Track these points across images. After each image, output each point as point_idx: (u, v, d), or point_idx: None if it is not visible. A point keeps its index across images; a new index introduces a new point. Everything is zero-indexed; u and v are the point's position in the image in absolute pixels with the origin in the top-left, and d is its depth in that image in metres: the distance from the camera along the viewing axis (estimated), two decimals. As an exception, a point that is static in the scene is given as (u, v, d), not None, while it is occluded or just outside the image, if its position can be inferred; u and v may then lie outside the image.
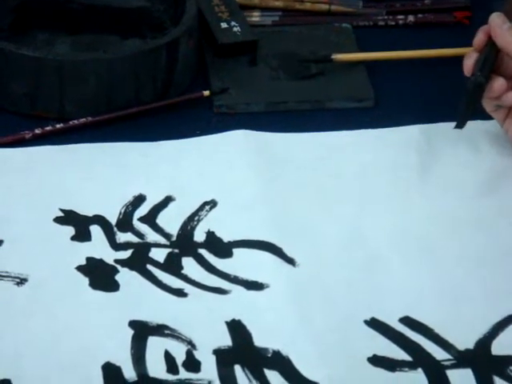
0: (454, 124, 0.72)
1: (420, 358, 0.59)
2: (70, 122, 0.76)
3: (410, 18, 0.88)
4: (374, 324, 0.62)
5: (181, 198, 0.71)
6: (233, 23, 0.84)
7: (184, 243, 0.68)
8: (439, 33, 0.88)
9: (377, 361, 0.59)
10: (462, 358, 0.59)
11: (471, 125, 0.72)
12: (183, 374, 0.59)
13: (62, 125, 0.76)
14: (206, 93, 0.80)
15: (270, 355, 0.60)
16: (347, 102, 0.81)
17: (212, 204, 0.71)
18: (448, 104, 0.76)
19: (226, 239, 0.68)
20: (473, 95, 0.71)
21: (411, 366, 0.59)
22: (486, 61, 0.72)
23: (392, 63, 0.84)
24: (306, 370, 0.59)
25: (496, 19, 0.73)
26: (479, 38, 0.74)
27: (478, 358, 0.59)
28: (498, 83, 0.71)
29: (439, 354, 0.60)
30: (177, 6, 0.82)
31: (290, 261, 0.66)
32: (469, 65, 0.72)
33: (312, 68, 0.83)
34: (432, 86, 0.83)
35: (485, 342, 0.60)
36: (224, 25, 0.84)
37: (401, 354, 0.60)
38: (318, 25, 0.88)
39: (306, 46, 0.85)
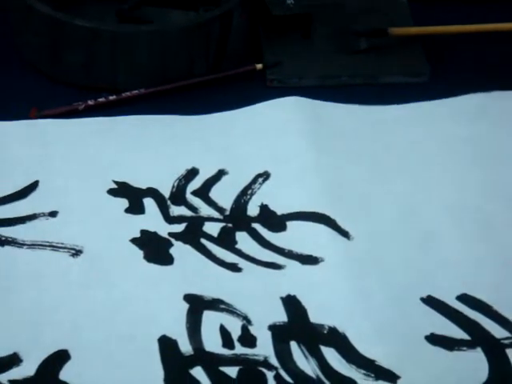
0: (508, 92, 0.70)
1: (479, 337, 0.58)
2: (123, 94, 0.76)
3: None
4: (431, 301, 0.61)
5: (234, 171, 0.71)
6: (286, -5, 0.83)
7: (237, 217, 0.67)
8: (496, 7, 0.86)
9: (435, 339, 0.59)
10: (523, 337, 0.58)
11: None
12: (239, 348, 0.59)
13: (114, 96, 0.76)
14: (259, 66, 0.79)
15: (326, 332, 0.60)
16: (402, 76, 0.80)
17: (265, 176, 0.70)
18: (505, 80, 0.74)
19: (279, 212, 0.68)
20: None
21: (470, 344, 0.58)
22: None
23: (447, 38, 0.82)
24: (362, 348, 0.58)
25: None
26: None
27: (539, 337, 0.58)
28: None
29: (498, 332, 0.59)
30: (230, -23, 0.81)
31: (345, 233, 0.66)
32: None
33: (366, 42, 0.82)
34: (489, 61, 0.81)
35: (546, 320, 0.59)
36: (278, -3, 0.83)
37: (459, 333, 0.59)
38: (373, -2, 0.87)
39: (361, 19, 0.84)
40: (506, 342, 0.58)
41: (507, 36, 0.82)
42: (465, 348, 0.58)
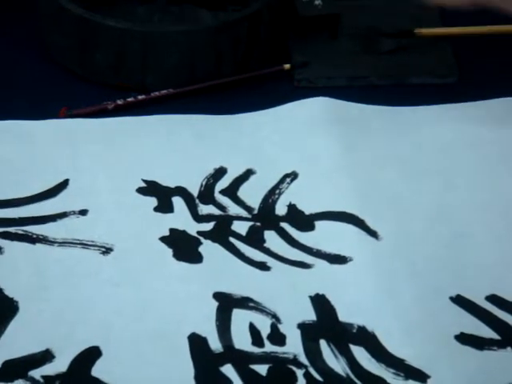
0: None
1: (509, 337, 0.58)
2: (152, 94, 0.76)
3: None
4: (460, 301, 0.61)
5: (261, 171, 0.71)
6: (314, -4, 0.83)
7: (266, 216, 0.68)
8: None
9: (464, 339, 0.59)
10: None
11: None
12: (268, 346, 0.59)
13: (143, 96, 0.76)
14: (287, 66, 0.79)
15: (355, 331, 0.60)
16: (430, 77, 0.80)
17: (293, 176, 0.70)
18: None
19: (307, 212, 0.68)
20: None
21: (500, 344, 0.58)
22: None
23: (476, 39, 0.82)
24: (391, 347, 0.58)
25: None
26: None
27: None
28: None
29: (528, 333, 0.59)
30: (258, -22, 0.82)
31: (373, 233, 0.66)
32: None
33: (394, 43, 0.82)
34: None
35: None
36: (305, -2, 0.83)
37: (489, 333, 0.59)
38: (401, -1, 0.87)
39: (388, 20, 0.84)
40: (536, 342, 0.58)
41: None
42: (495, 348, 0.58)
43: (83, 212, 0.67)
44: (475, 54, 0.82)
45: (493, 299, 0.61)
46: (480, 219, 0.66)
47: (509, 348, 0.58)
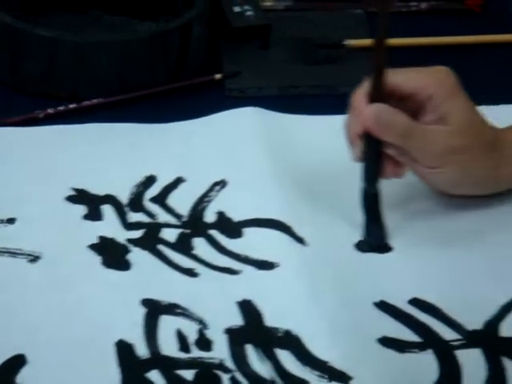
0: None
1: (429, 339, 0.60)
2: (83, 103, 0.77)
3: (423, 4, 0.89)
4: (384, 306, 0.62)
5: (191, 179, 0.72)
6: (246, 7, 0.85)
7: (195, 224, 0.68)
8: (451, 20, 0.88)
9: (387, 342, 0.60)
10: (471, 339, 0.59)
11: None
12: (195, 352, 0.60)
13: (74, 105, 0.77)
14: (218, 76, 0.80)
15: (280, 335, 0.60)
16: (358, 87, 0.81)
17: (222, 184, 0.71)
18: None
19: (235, 219, 0.69)
20: (370, 204, 0.66)
21: (421, 346, 0.59)
22: (370, 167, 0.66)
23: (403, 50, 0.84)
24: (316, 350, 0.59)
25: (371, 112, 0.63)
26: (359, 126, 0.65)
27: (487, 338, 0.59)
28: (389, 172, 0.66)
29: (448, 334, 0.60)
30: (190, -11, 0.82)
31: (300, 239, 0.67)
32: (356, 155, 0.66)
33: (324, 53, 0.84)
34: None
35: (493, 323, 0.60)
36: (237, 8, 0.84)
37: (410, 336, 0.60)
38: (331, 10, 0.88)
39: (319, 31, 0.85)
40: (456, 343, 0.59)
41: (460, 48, 0.84)
42: (416, 350, 0.59)
43: (11, 220, 0.67)
44: (401, 65, 0.83)
45: (414, 302, 0.62)
46: (401, 225, 0.67)
47: (429, 350, 0.59)
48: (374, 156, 0.65)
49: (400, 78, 0.65)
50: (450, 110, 0.64)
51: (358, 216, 0.68)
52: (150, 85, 0.78)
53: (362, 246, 0.66)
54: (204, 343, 0.60)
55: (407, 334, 0.60)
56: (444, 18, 0.88)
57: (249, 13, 0.84)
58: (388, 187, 0.68)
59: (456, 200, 0.69)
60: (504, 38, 0.84)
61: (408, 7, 0.89)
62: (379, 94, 0.64)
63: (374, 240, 0.66)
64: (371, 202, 0.66)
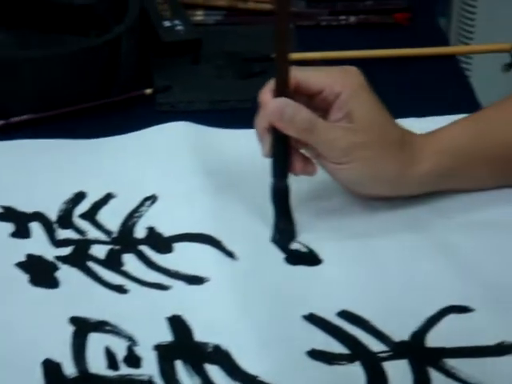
0: None
1: (357, 351, 0.60)
2: (12, 119, 0.76)
3: (352, 18, 0.90)
4: (312, 319, 0.62)
5: (122, 195, 0.71)
6: (176, 22, 0.85)
7: (124, 240, 0.68)
8: (380, 34, 0.89)
9: (315, 354, 0.60)
10: (398, 350, 0.60)
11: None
12: (124, 369, 0.59)
13: (3, 121, 0.76)
14: (149, 91, 0.80)
15: (210, 350, 0.60)
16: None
17: (152, 199, 0.71)
18: (385, 105, 0.77)
19: (166, 234, 0.69)
20: (279, 199, 0.67)
21: (349, 358, 0.60)
22: (278, 162, 0.66)
23: (333, 63, 0.85)
24: (245, 364, 0.59)
25: (274, 106, 0.64)
26: (266, 121, 0.66)
27: (413, 349, 0.60)
28: (298, 168, 0.67)
29: (376, 346, 0.60)
30: (120, 4, 0.82)
31: (230, 254, 0.67)
32: (265, 151, 0.67)
33: (254, 67, 0.84)
34: (373, 86, 0.84)
35: (419, 334, 0.61)
36: (167, 23, 0.84)
37: (339, 348, 0.61)
38: (261, 24, 0.89)
39: (249, 45, 0.86)
40: (383, 355, 0.60)
41: (390, 62, 0.85)
42: (344, 362, 0.60)
43: None
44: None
45: (343, 315, 0.63)
46: (330, 237, 0.68)
47: (357, 362, 0.60)
48: (282, 151, 0.66)
49: (308, 75, 0.66)
50: (355, 107, 0.66)
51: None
52: (79, 100, 0.78)
53: (294, 259, 0.66)
54: (133, 360, 0.60)
55: (336, 347, 0.61)
56: (373, 31, 0.89)
57: (179, 27, 0.84)
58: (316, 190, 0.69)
59: (382, 211, 0.69)
60: (432, 51, 0.85)
61: (337, 21, 0.90)
62: (284, 90, 0.65)
63: (283, 237, 0.67)
64: (280, 198, 0.67)
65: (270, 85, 0.66)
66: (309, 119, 0.65)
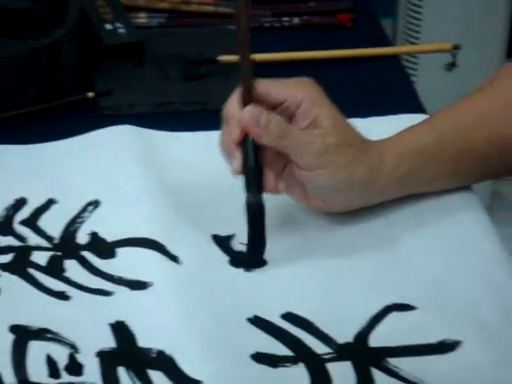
0: None
1: (301, 353, 0.60)
2: (-50, 125, 0.75)
3: (295, 19, 0.90)
4: (257, 321, 0.62)
5: (63, 200, 0.70)
6: (118, 24, 0.84)
7: (66, 246, 0.67)
8: (324, 34, 0.89)
9: (260, 357, 0.60)
10: (342, 351, 0.60)
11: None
12: (65, 377, 0.58)
13: None
14: (91, 94, 0.79)
15: (154, 355, 0.60)
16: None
17: (95, 204, 0.70)
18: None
19: (109, 239, 0.68)
20: (255, 216, 0.65)
21: (293, 360, 0.60)
22: (253, 176, 0.65)
23: (277, 65, 0.85)
24: (189, 369, 0.59)
25: (248, 114, 0.64)
26: (236, 134, 0.65)
27: (357, 350, 0.60)
28: (270, 185, 0.66)
29: (320, 348, 0.60)
30: (60, 7, 0.81)
31: (174, 258, 0.66)
32: (236, 167, 0.65)
33: (198, 69, 0.84)
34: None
35: (363, 334, 0.61)
36: (109, 26, 0.84)
37: (283, 350, 0.60)
38: (205, 26, 0.88)
39: (193, 47, 0.85)
40: (327, 356, 0.60)
41: (335, 62, 0.85)
42: (288, 364, 0.59)
43: None
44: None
45: (287, 317, 0.62)
46: (274, 239, 0.68)
47: (301, 364, 0.59)
48: (255, 165, 0.65)
49: (269, 86, 0.66)
50: (320, 114, 0.66)
51: (232, 232, 0.68)
52: (19, 105, 0.77)
53: (238, 261, 0.66)
54: (75, 368, 0.59)
55: (280, 349, 0.60)
56: (316, 32, 0.89)
57: (121, 30, 0.83)
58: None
59: (329, 214, 0.69)
60: (375, 52, 0.86)
61: (281, 22, 0.90)
62: (251, 101, 0.65)
63: (256, 255, 0.66)
64: (256, 212, 0.65)
65: (235, 98, 0.66)
66: (283, 124, 0.64)
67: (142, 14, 0.89)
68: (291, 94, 0.66)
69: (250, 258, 0.66)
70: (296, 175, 0.66)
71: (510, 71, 0.71)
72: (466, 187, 0.71)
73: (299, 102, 0.66)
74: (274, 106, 0.66)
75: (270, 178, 0.66)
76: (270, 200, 0.67)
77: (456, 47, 0.84)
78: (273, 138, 0.64)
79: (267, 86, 0.66)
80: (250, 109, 0.64)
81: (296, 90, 0.66)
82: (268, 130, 0.64)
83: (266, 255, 0.67)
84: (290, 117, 0.66)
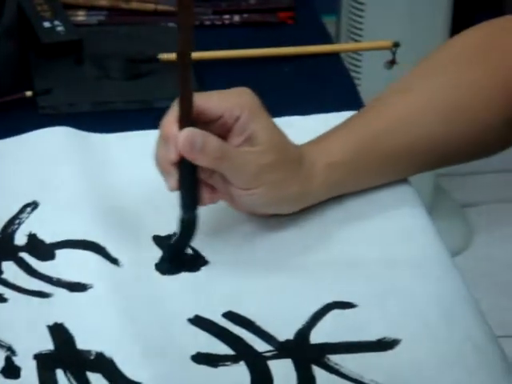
0: None
1: (242, 351, 0.60)
2: None
3: (236, 17, 0.89)
4: (198, 321, 0.62)
5: (0, 201, 0.69)
6: (56, 22, 0.83)
7: (4, 247, 0.66)
8: (264, 32, 0.89)
9: (200, 358, 0.59)
10: (283, 349, 0.60)
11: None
12: (1, 380, 0.58)
13: None
14: (29, 93, 0.78)
15: (92, 357, 0.59)
16: (174, 101, 0.81)
17: (33, 205, 0.69)
18: (270, 103, 0.77)
19: (48, 241, 0.67)
20: (189, 229, 0.65)
21: (234, 359, 0.59)
22: (188, 194, 0.65)
23: (218, 63, 0.85)
24: (129, 371, 0.58)
25: (184, 137, 0.63)
26: (173, 154, 0.63)
27: (298, 347, 0.60)
28: (206, 198, 0.66)
29: (261, 346, 0.60)
30: (-4, 4, 0.80)
31: (114, 261, 0.66)
32: (172, 184, 0.65)
33: (139, 68, 0.83)
34: (257, 85, 0.84)
35: (304, 331, 0.61)
36: (47, 24, 0.83)
37: (224, 349, 0.60)
38: (145, 24, 0.88)
39: (133, 45, 0.85)
40: (268, 354, 0.60)
41: (274, 60, 0.85)
42: (229, 363, 0.59)
43: None
44: (217, 78, 0.83)
45: (229, 316, 0.62)
46: (214, 239, 0.67)
47: (242, 362, 0.59)
48: (191, 183, 0.64)
49: (205, 102, 0.65)
50: (257, 129, 0.65)
51: (173, 231, 0.68)
52: (-45, 105, 0.75)
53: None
54: (11, 371, 0.58)
55: (221, 348, 0.60)
56: (257, 30, 0.89)
57: (59, 28, 0.82)
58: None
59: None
60: (315, 49, 0.86)
61: (221, 20, 0.89)
62: (188, 119, 0.63)
63: (177, 263, 0.66)
64: (189, 229, 0.65)
65: (172, 115, 0.64)
66: (219, 147, 0.63)
67: (81, 12, 0.88)
68: (228, 108, 0.65)
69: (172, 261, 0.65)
70: (230, 191, 0.66)
71: (419, 72, 0.72)
72: (404, 181, 0.71)
73: (237, 116, 0.65)
74: (212, 121, 0.65)
75: (205, 192, 0.66)
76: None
77: (396, 45, 0.85)
78: (210, 160, 0.64)
79: (204, 101, 0.65)
80: (186, 133, 0.63)
81: (233, 103, 0.65)
82: (204, 153, 0.63)
83: (207, 255, 0.66)
84: (228, 131, 0.65)
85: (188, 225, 0.65)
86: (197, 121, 0.64)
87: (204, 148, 0.63)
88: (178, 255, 0.66)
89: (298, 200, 0.67)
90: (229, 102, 0.65)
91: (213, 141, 0.63)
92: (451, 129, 0.69)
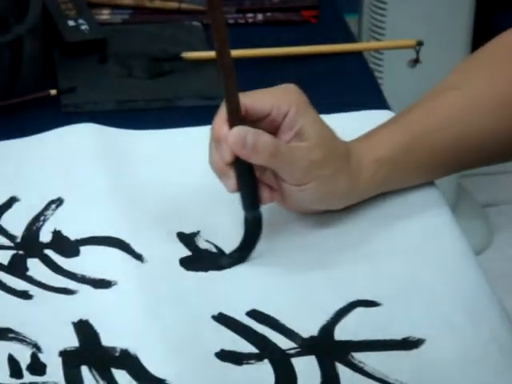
0: None
1: (266, 349, 0.60)
2: None
3: (259, 16, 0.89)
4: (222, 319, 0.62)
5: (26, 198, 0.70)
6: (80, 21, 0.83)
7: (29, 244, 0.67)
8: (288, 31, 0.89)
9: (224, 355, 0.59)
10: (307, 346, 0.60)
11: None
12: (28, 377, 0.58)
13: None
14: (53, 92, 0.79)
15: (117, 354, 0.59)
16: (197, 100, 0.81)
17: (58, 202, 0.70)
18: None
19: (72, 237, 0.67)
20: (255, 228, 0.65)
21: (258, 357, 0.59)
22: (248, 194, 0.65)
23: (242, 61, 0.85)
24: (153, 368, 0.59)
25: (235, 136, 0.63)
26: (228, 155, 0.64)
27: (322, 344, 0.60)
28: (266, 197, 0.66)
29: (284, 343, 0.60)
30: (21, 3, 0.80)
31: (138, 257, 0.66)
32: (231, 186, 0.65)
33: (163, 66, 0.83)
34: (280, 84, 0.84)
35: (328, 327, 0.61)
36: (71, 23, 0.83)
37: (248, 347, 0.60)
38: (168, 23, 0.88)
39: (157, 44, 0.85)
40: (291, 351, 0.60)
41: (298, 59, 0.85)
42: (253, 361, 0.59)
43: None
44: (241, 76, 0.83)
45: (252, 314, 0.62)
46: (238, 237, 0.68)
47: (266, 360, 0.59)
48: (249, 182, 0.64)
49: (251, 100, 0.65)
50: (305, 125, 0.65)
51: (197, 229, 0.68)
52: (-20, 102, 0.76)
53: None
54: (37, 367, 0.59)
55: (244, 346, 0.60)
56: (281, 28, 0.89)
57: (83, 27, 0.83)
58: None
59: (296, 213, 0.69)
60: (338, 48, 0.86)
61: (244, 19, 0.89)
62: (237, 118, 0.63)
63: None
64: (255, 228, 0.65)
65: (220, 117, 0.64)
66: (271, 143, 0.63)
67: (106, 11, 0.88)
68: (276, 105, 0.65)
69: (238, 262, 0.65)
70: (282, 188, 0.66)
71: (466, 69, 0.71)
72: (429, 183, 0.71)
73: (285, 112, 0.65)
74: (260, 119, 0.65)
75: (265, 191, 0.66)
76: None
77: (419, 43, 0.85)
78: (263, 157, 0.63)
79: (252, 99, 0.64)
80: (236, 131, 0.63)
81: (280, 100, 0.65)
82: (256, 150, 0.63)
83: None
84: (277, 128, 0.65)
85: (253, 224, 0.65)
86: (245, 120, 0.64)
87: (256, 145, 0.63)
88: (246, 255, 0.66)
89: (346, 195, 0.67)
90: (276, 98, 0.65)
91: (264, 137, 0.63)
92: (500, 126, 0.69)
